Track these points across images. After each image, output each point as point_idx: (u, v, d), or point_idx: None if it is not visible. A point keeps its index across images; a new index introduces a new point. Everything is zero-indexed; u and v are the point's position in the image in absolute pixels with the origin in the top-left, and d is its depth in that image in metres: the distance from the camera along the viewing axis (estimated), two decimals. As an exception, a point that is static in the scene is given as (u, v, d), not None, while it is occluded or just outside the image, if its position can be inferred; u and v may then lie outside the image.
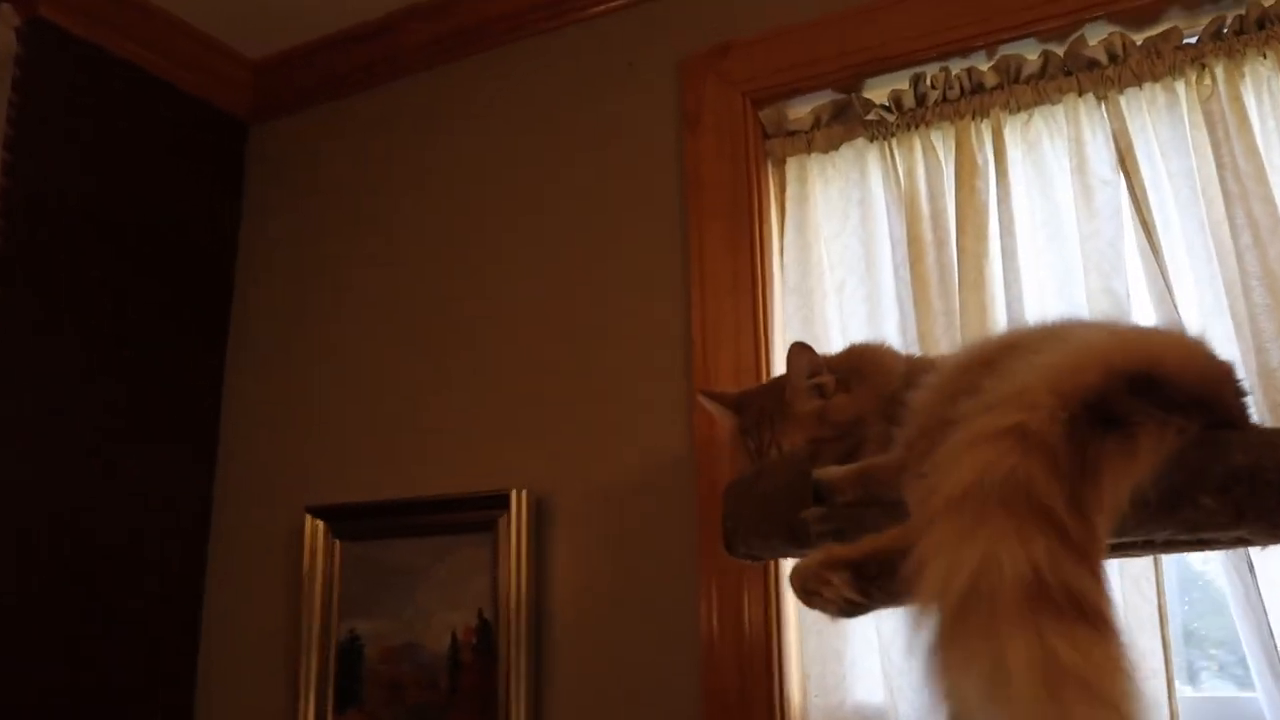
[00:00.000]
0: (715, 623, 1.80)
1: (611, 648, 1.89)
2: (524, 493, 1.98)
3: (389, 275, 2.32)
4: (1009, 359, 1.00)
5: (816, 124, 1.97)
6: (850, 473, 1.11)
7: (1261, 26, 1.68)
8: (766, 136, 2.02)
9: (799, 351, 1.37)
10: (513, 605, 1.93)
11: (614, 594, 1.91)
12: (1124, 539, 1.00)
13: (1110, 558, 1.12)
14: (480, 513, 2.00)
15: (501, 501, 1.98)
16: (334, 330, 2.36)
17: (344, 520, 2.17)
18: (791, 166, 1.99)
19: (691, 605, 1.83)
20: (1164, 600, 1.53)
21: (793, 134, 2.00)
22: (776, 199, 2.01)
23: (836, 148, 1.96)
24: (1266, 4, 1.67)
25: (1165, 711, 1.49)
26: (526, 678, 1.90)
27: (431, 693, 1.98)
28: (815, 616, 1.76)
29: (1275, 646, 1.45)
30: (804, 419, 1.32)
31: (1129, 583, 1.56)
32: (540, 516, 2.00)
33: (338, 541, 2.16)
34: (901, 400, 1.21)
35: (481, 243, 2.23)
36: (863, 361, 1.40)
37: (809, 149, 1.98)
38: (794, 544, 1.13)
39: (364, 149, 2.44)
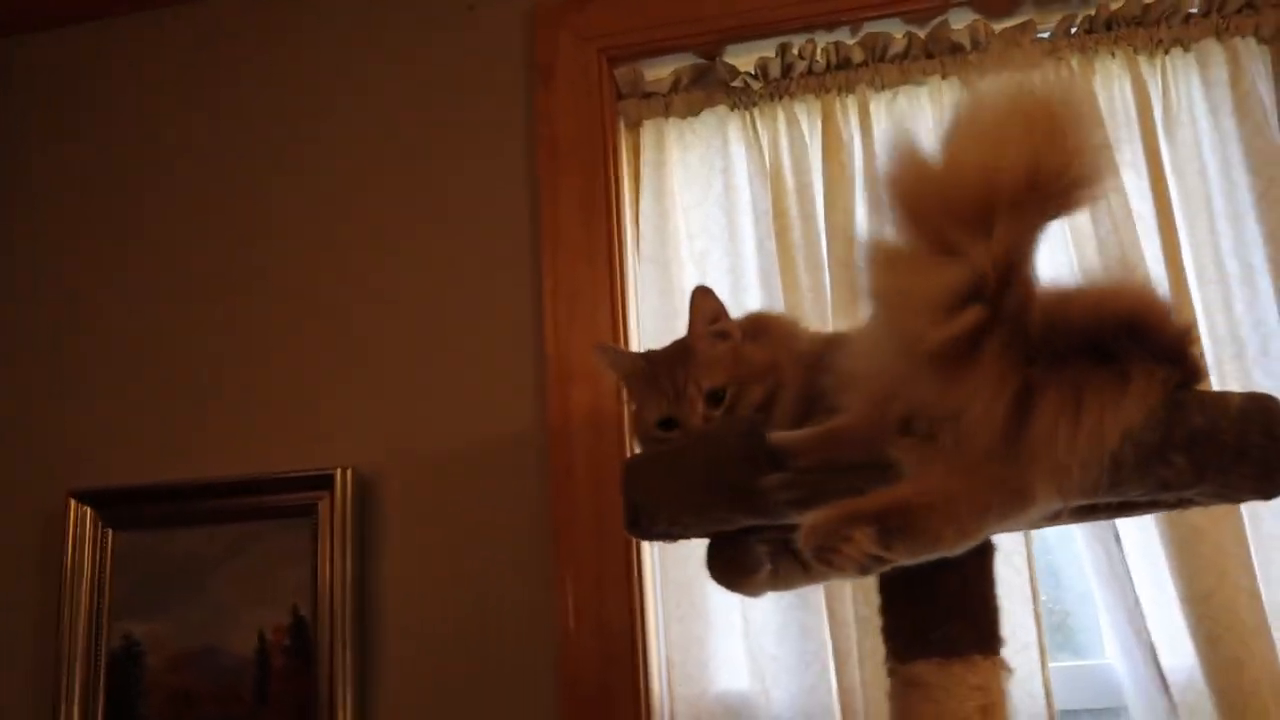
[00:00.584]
0: (573, 612, 1.67)
1: (453, 645, 1.72)
2: (349, 471, 1.76)
3: (181, 228, 2.02)
4: None
5: (675, 87, 1.89)
6: (810, 436, 1.03)
7: (1109, 28, 1.76)
8: (620, 97, 1.91)
9: (702, 295, 1.28)
10: (335, 599, 1.71)
11: (455, 585, 1.74)
12: (1099, 500, 0.97)
13: (1080, 520, 1.13)
14: (296, 495, 1.77)
15: (323, 482, 1.76)
16: (111, 288, 2.02)
17: (116, 506, 1.86)
18: (648, 130, 1.90)
19: (545, 594, 1.69)
20: (1035, 574, 1.56)
21: (649, 96, 1.90)
22: (630, 164, 1.91)
23: (696, 113, 1.89)
24: (1114, 7, 1.75)
25: (1039, 681, 1.52)
26: (351, 682, 1.70)
27: (234, 705, 1.72)
28: (677, 601, 1.68)
29: (1141, 615, 1.51)
30: (718, 360, 1.23)
31: (1000, 557, 1.57)
32: (367, 499, 1.78)
33: (109, 530, 1.84)
34: (822, 368, 1.16)
35: (298, 195, 1.99)
36: (765, 322, 1.33)
37: (667, 113, 1.89)
38: (746, 514, 1.04)
39: (146, 75, 2.11)
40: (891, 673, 1.08)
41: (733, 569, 1.19)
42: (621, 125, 1.91)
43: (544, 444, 1.75)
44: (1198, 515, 1.47)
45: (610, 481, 1.70)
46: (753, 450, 1.01)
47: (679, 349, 1.29)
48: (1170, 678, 1.49)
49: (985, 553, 1.07)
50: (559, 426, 1.74)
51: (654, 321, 1.79)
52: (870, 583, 1.57)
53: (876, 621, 1.52)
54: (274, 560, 1.76)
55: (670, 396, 1.22)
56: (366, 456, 1.80)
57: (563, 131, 1.87)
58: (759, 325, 1.32)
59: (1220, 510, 1.48)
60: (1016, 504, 0.88)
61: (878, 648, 1.53)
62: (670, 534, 1.18)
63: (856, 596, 1.58)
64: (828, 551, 0.87)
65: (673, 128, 1.89)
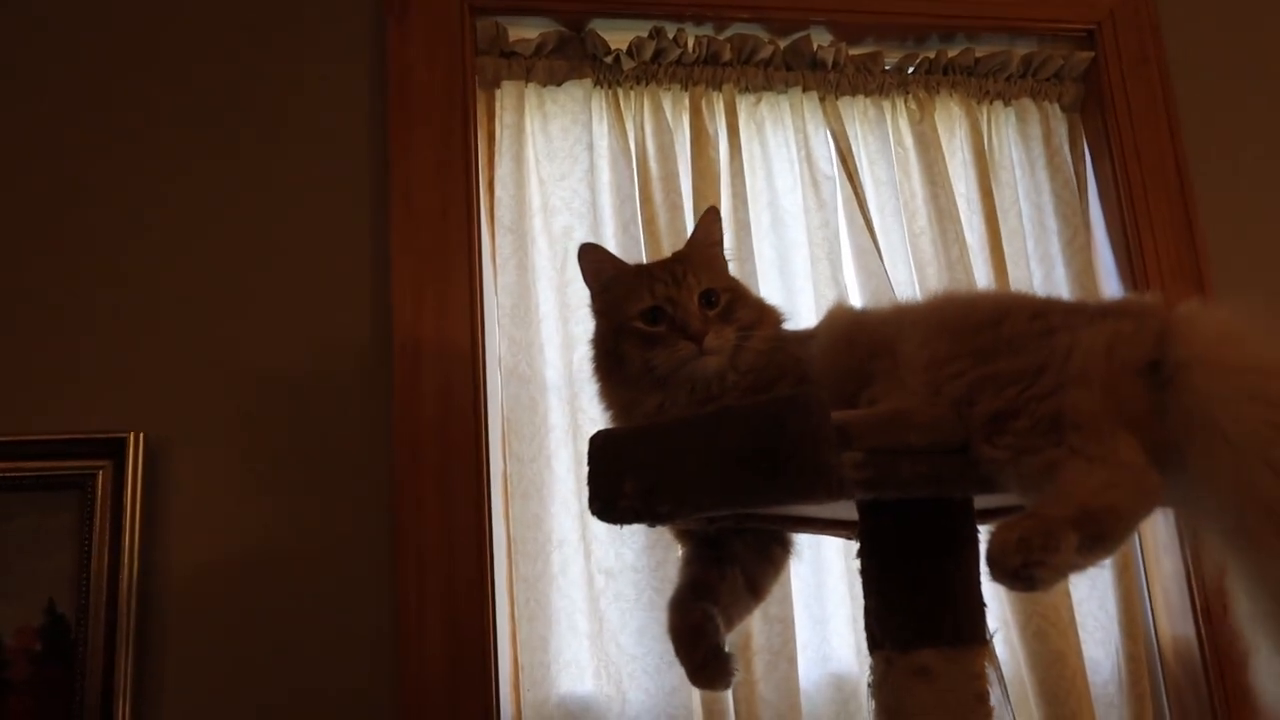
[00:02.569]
0: (417, 607, 1.50)
1: (266, 646, 1.48)
2: (140, 436, 1.46)
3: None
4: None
5: (540, 52, 1.79)
6: (877, 416, 1.00)
7: (946, 73, 1.92)
8: (479, 52, 1.77)
9: (713, 215, 1.28)
10: (113, 592, 1.41)
11: (269, 572, 1.50)
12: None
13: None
14: (67, 464, 1.43)
15: (106, 448, 1.44)
16: None
17: None
18: (508, 92, 1.78)
19: (386, 586, 1.51)
20: (886, 575, 1.63)
21: (510, 56, 1.79)
22: (485, 125, 1.77)
23: (559, 83, 1.80)
24: (951, 54, 1.91)
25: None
26: (129, 695, 1.39)
27: (-45, 728, 1.35)
28: (526, 600, 1.57)
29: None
30: (718, 269, 1.26)
31: (855, 559, 1.64)
32: (158, 469, 1.48)
33: None
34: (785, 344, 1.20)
35: (99, 129, 1.65)
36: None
37: (528, 77, 1.79)
38: (797, 494, 0.98)
39: None
40: (888, 661, 1.07)
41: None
42: (477, 83, 1.77)
43: (388, 423, 1.57)
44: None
45: (461, 463, 1.56)
46: (821, 425, 0.96)
47: (675, 255, 1.27)
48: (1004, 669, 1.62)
49: (976, 542, 1.10)
50: (407, 407, 1.57)
51: (510, 298, 1.67)
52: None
53: (754, 617, 1.55)
54: (24, 544, 1.41)
55: (662, 287, 1.17)
56: (161, 419, 1.50)
57: (418, 76, 1.72)
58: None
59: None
60: (1154, 506, 0.91)
61: (748, 646, 1.55)
62: (661, 516, 1.10)
63: (725, 595, 1.57)
64: (1035, 566, 0.83)
65: (533, 94, 1.79)
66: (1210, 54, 2.01)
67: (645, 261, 1.42)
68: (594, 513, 1.10)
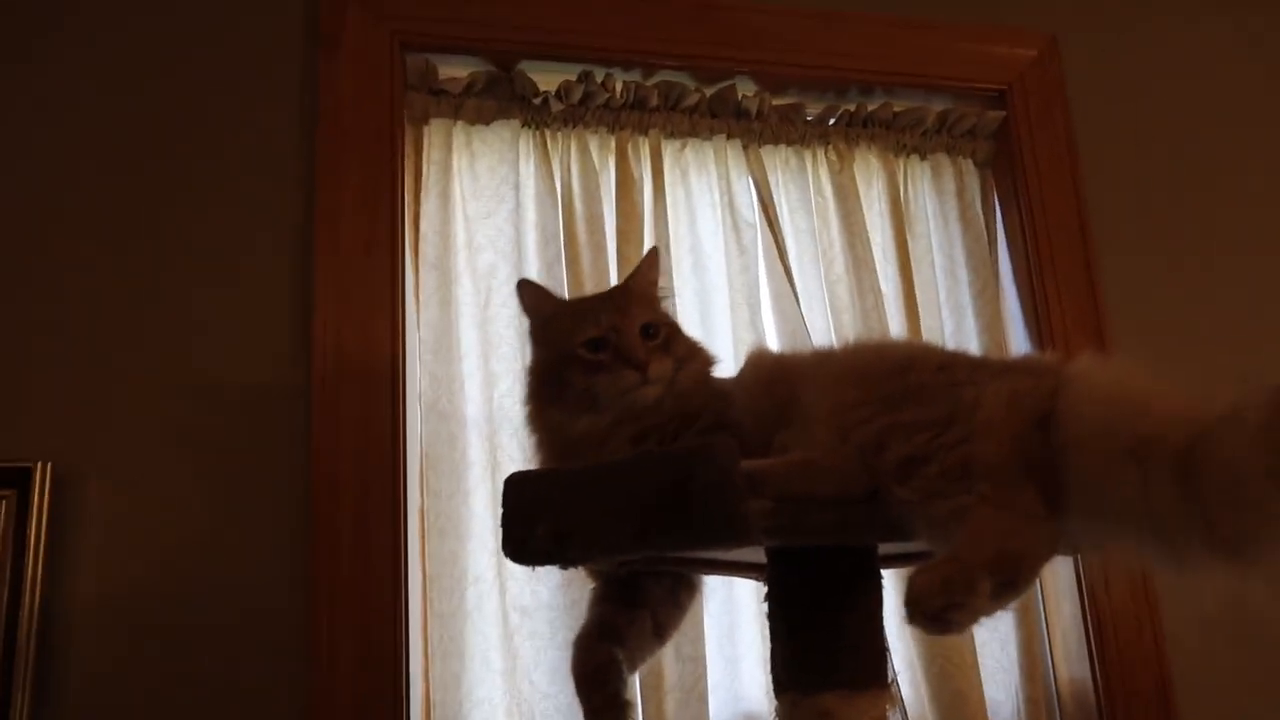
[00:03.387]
0: (329, 641, 1.49)
1: (175, 687, 1.44)
2: (48, 466, 1.43)
3: None
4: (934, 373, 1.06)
5: (469, 91, 1.81)
6: (786, 465, 1.03)
7: (865, 125, 1.98)
8: (408, 88, 1.79)
9: (655, 255, 1.35)
10: (10, 633, 1.37)
11: (180, 609, 1.48)
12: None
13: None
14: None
15: (10, 478, 1.41)
16: None
17: None
18: (436, 130, 1.80)
19: (299, 619, 1.49)
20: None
21: (439, 94, 1.80)
22: (412, 160, 1.79)
23: (488, 123, 1.82)
24: (870, 108, 1.98)
25: None
26: (25, 736, 1.35)
27: None
28: (441, 635, 1.56)
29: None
30: (656, 304, 1.31)
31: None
32: (65, 501, 1.45)
33: None
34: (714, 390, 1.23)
35: (9, 136, 1.62)
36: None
37: (456, 115, 1.81)
38: (708, 541, 1.01)
39: None
40: (793, 704, 1.10)
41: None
42: (406, 120, 1.78)
43: (306, 454, 1.56)
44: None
45: (379, 497, 1.56)
46: (731, 474, 0.99)
47: (617, 289, 1.34)
48: (909, 709, 1.66)
49: (880, 588, 1.14)
50: (325, 439, 1.57)
51: (433, 334, 1.68)
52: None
53: (666, 657, 1.57)
54: (-84, 576, 1.37)
55: (607, 318, 1.21)
56: (69, 449, 1.47)
57: (346, 109, 1.72)
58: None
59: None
60: (1054, 552, 0.96)
61: (660, 686, 1.57)
62: (573, 559, 1.12)
63: (639, 634, 1.58)
64: (954, 609, 0.86)
65: (461, 132, 1.81)
66: (1112, 115, 2.11)
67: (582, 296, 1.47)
68: (507, 554, 1.11)
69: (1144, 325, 1.98)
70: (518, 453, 1.66)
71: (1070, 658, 1.82)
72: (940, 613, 0.86)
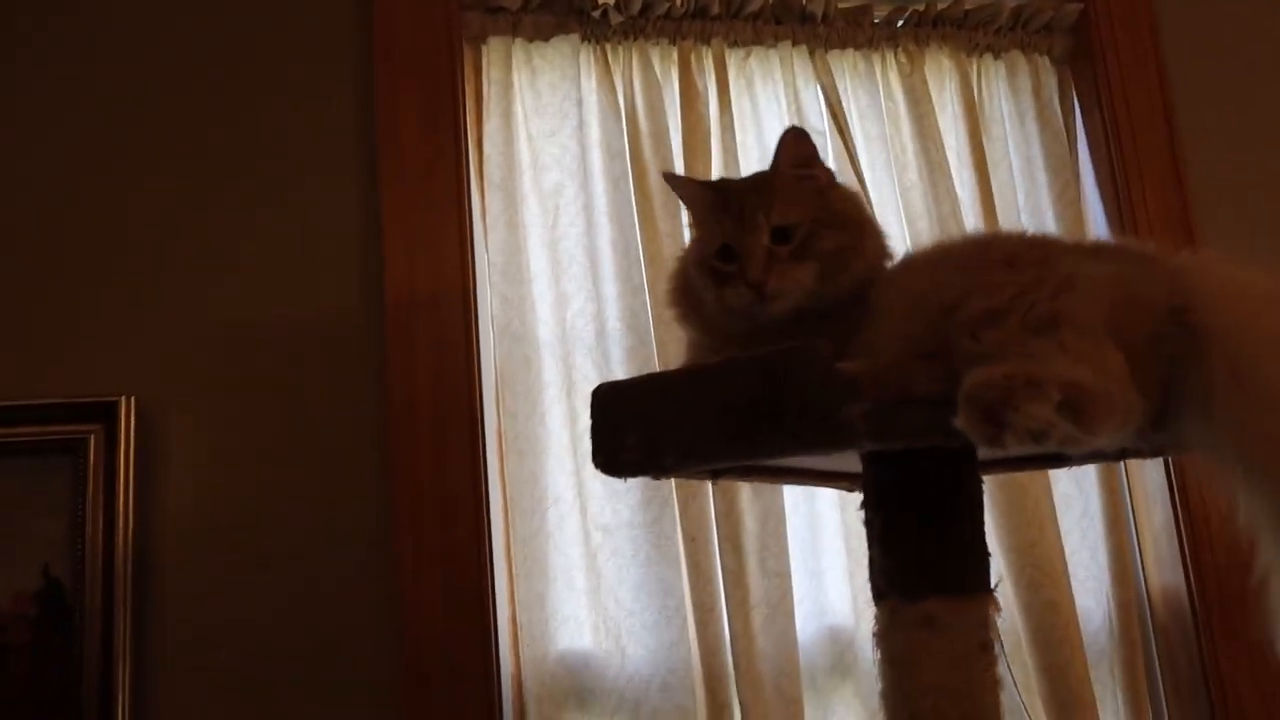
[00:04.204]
0: (414, 567, 1.50)
1: (264, 610, 1.47)
2: (132, 400, 1.44)
3: None
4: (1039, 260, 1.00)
5: (526, 7, 1.76)
6: (882, 367, 0.99)
7: (935, 25, 1.91)
8: (463, 7, 1.75)
9: (795, 136, 1.16)
10: (108, 557, 1.40)
11: (265, 536, 1.50)
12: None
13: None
14: (57, 429, 1.42)
15: (97, 412, 1.43)
16: None
17: None
18: (495, 48, 1.76)
19: (377, 547, 1.50)
20: (881, 529, 1.64)
21: (496, 11, 1.76)
22: (471, 81, 1.75)
23: (546, 39, 1.78)
24: (940, 6, 1.90)
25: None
26: (129, 659, 1.40)
27: (-47, 695, 1.34)
28: (523, 558, 1.57)
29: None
30: (797, 197, 1.12)
31: (853, 512, 1.65)
32: (152, 433, 1.47)
33: None
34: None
35: (91, 98, 1.61)
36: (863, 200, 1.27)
37: (514, 33, 1.76)
38: (804, 445, 0.98)
39: None
40: (893, 612, 1.07)
41: None
42: (464, 39, 1.75)
43: (381, 382, 1.56)
44: (1021, 474, 1.64)
45: (457, 421, 1.56)
46: (827, 376, 0.96)
47: (757, 178, 1.18)
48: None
49: (980, 493, 1.11)
50: (401, 366, 1.56)
51: (502, 256, 1.66)
52: (743, 534, 1.59)
53: (751, 572, 1.57)
54: (18, 509, 1.39)
55: (736, 223, 1.11)
56: (152, 383, 1.48)
57: (402, 32, 1.68)
58: (859, 197, 1.24)
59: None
60: (1126, 425, 0.88)
61: (745, 600, 1.56)
62: (666, 468, 1.09)
63: (724, 548, 1.57)
64: (1008, 409, 0.79)
65: (520, 49, 1.77)
66: (1199, 5, 2.01)
67: (722, 179, 1.35)
68: (597, 466, 1.09)
69: (1234, 227, 1.90)
70: (593, 372, 1.65)
71: (1163, 564, 1.78)
72: (996, 408, 0.80)
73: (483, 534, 1.54)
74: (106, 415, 1.42)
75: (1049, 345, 0.86)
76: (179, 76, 1.64)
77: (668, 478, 1.26)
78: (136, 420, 1.44)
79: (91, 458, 1.41)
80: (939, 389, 0.98)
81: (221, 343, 1.54)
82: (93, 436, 1.42)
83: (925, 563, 1.07)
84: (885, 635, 1.08)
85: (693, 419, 1.05)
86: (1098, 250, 1.02)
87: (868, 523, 1.13)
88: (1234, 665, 1.70)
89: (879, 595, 1.10)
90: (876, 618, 1.09)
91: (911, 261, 1.14)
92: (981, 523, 1.11)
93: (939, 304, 0.97)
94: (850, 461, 1.17)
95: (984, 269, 0.98)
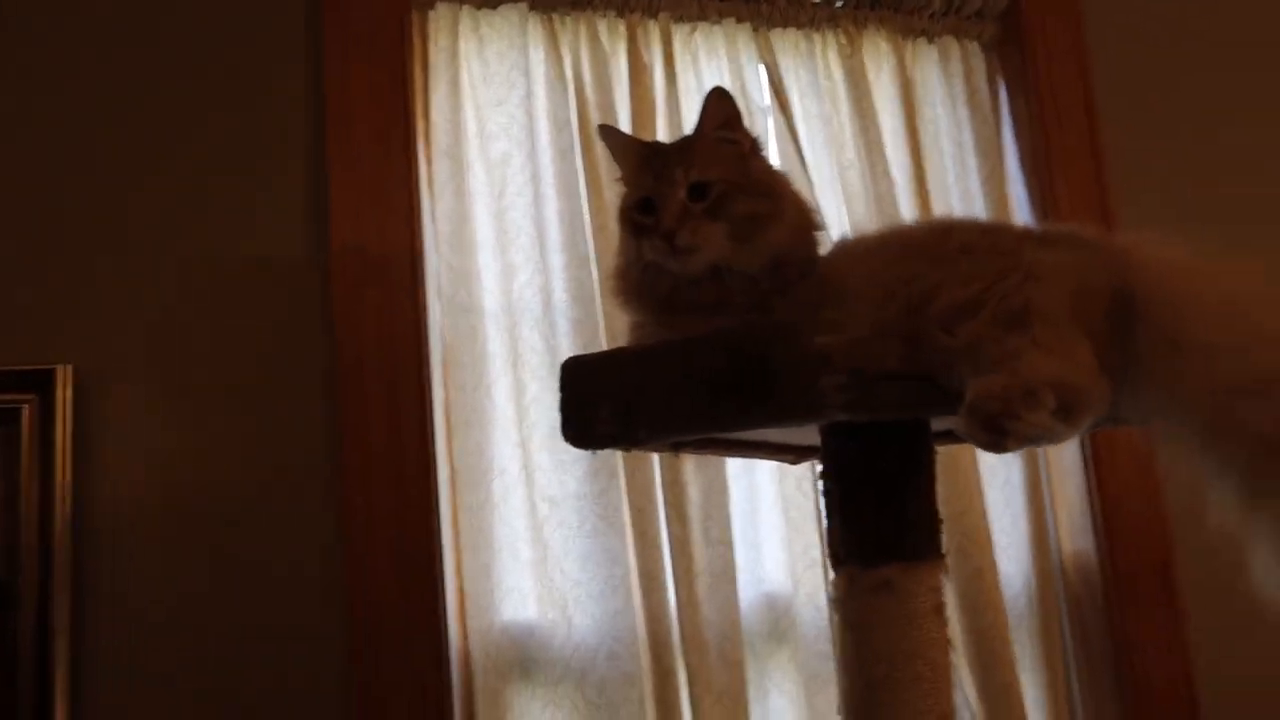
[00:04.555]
0: (364, 537, 1.49)
1: (208, 582, 1.44)
2: (69, 370, 1.40)
3: None
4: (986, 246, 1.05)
5: (473, -27, 1.75)
6: (852, 341, 1.03)
7: (874, 7, 1.95)
8: (408, -29, 1.72)
9: (719, 97, 1.17)
10: (46, 531, 1.35)
11: (210, 508, 1.46)
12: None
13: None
14: (-13, 396, 1.36)
15: (32, 380, 1.38)
16: None
17: None
18: (442, 15, 1.74)
19: (331, 515, 1.49)
20: (819, 498, 1.69)
21: (442, -24, 1.74)
22: (419, 47, 1.73)
23: (494, 7, 1.76)
24: (880, -12, 1.95)
25: (822, 596, 1.66)
26: (67, 635, 1.36)
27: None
28: (470, 526, 1.57)
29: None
30: (716, 157, 1.15)
31: (791, 483, 1.70)
32: (90, 404, 1.42)
33: None
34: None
35: (15, 49, 1.55)
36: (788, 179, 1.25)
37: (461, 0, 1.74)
38: (777, 417, 1.02)
39: None
40: (851, 578, 1.11)
41: None
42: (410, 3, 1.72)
43: (330, 352, 1.54)
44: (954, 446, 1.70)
45: (405, 391, 1.55)
46: (806, 350, 0.99)
47: (682, 140, 1.21)
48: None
49: (933, 463, 1.16)
50: (349, 335, 1.55)
51: (449, 225, 1.65)
52: (687, 504, 1.62)
53: (696, 541, 1.60)
54: (-53, 479, 1.34)
55: (657, 177, 1.13)
56: (91, 352, 1.43)
57: (349, -4, 1.64)
58: (782, 174, 1.25)
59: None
60: (1103, 411, 0.95)
61: (690, 569, 1.60)
62: (641, 439, 1.11)
63: (670, 516, 1.60)
64: (1009, 418, 0.85)
65: (468, 17, 1.75)
66: (1120, -2, 2.11)
67: (660, 140, 1.37)
68: (567, 439, 1.11)
69: (1149, 212, 1.99)
70: (539, 344, 1.65)
71: (1075, 532, 1.88)
72: (998, 419, 0.86)
73: (431, 505, 1.54)
74: (42, 385, 1.38)
75: (1023, 340, 0.92)
76: (120, 41, 1.59)
77: (640, 449, 1.27)
78: (74, 390, 1.40)
79: (25, 429, 1.36)
80: (909, 365, 1.03)
81: (163, 311, 1.50)
82: (27, 407, 1.37)
83: (883, 531, 1.12)
84: (844, 601, 1.12)
85: (669, 392, 1.07)
86: (1049, 237, 1.07)
87: (826, 493, 1.18)
88: (1140, 630, 1.81)
89: (838, 562, 1.14)
90: (834, 584, 1.13)
91: (871, 246, 1.18)
92: (934, 492, 1.16)
93: (910, 295, 1.02)
94: (805, 435, 1.21)
95: (950, 260, 1.03)
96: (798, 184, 1.26)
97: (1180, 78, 2.10)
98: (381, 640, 1.48)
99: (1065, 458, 1.90)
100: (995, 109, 2.02)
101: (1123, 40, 2.07)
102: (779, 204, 1.16)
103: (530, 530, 1.61)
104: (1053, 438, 0.88)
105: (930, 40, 1.99)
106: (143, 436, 1.45)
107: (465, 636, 1.55)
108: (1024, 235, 1.10)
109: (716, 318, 1.14)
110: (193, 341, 1.50)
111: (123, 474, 1.43)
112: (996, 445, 0.88)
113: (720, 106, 1.18)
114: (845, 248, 1.21)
